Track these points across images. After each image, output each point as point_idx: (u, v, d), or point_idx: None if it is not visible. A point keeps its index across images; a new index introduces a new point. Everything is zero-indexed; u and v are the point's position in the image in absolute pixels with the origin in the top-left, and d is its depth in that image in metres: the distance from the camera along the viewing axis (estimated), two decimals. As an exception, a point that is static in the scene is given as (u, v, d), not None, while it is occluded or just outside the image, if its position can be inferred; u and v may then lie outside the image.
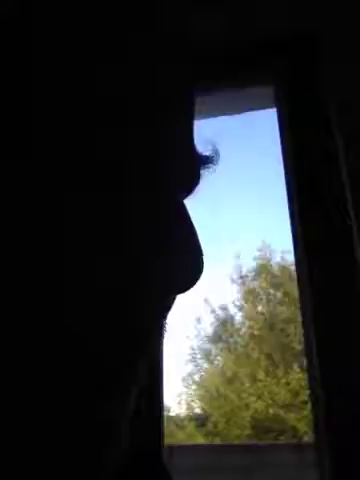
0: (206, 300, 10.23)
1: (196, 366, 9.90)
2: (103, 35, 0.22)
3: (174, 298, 0.24)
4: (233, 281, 9.90)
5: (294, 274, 0.96)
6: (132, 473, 0.25)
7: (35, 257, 0.20)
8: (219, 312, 9.85)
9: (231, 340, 9.65)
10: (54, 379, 0.20)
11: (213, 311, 9.88)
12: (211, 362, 9.83)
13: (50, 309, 0.20)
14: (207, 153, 0.26)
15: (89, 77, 0.22)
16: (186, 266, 0.22)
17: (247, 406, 8.55)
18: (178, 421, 9.33)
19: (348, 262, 0.83)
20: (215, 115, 1.09)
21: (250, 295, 9.67)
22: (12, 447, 0.19)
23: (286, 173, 0.94)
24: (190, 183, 0.26)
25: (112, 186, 0.21)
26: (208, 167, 0.26)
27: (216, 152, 0.26)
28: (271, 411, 8.37)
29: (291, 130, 0.94)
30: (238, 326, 9.82)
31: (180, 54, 0.24)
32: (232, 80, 1.01)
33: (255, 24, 0.98)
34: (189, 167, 0.25)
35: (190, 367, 10.02)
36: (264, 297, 9.60)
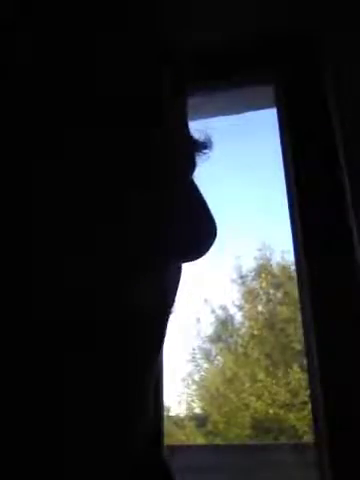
0: (206, 300, 10.23)
1: (196, 366, 9.90)
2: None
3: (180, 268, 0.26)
4: (233, 281, 9.91)
5: (294, 274, 0.96)
6: (132, 473, 0.25)
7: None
8: (219, 312, 9.86)
9: (231, 340, 9.64)
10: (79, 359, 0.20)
11: (213, 311, 9.88)
12: (211, 362, 9.82)
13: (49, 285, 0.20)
14: (201, 139, 0.28)
15: (88, 80, 0.22)
16: (199, 232, 0.24)
17: (247, 406, 8.54)
18: (178, 421, 9.32)
19: (348, 262, 0.83)
20: (215, 115, 1.09)
21: (250, 295, 9.67)
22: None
23: (286, 173, 0.94)
24: (188, 168, 0.27)
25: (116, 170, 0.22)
26: (204, 153, 0.27)
27: (209, 139, 0.28)
28: (271, 411, 8.37)
29: (291, 130, 0.94)
30: (238, 326, 9.81)
31: (154, 52, 0.25)
32: (232, 80, 1.00)
33: (255, 23, 0.98)
34: (186, 153, 0.26)
35: (190, 367, 10.03)
36: (264, 297, 9.59)
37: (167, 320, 0.24)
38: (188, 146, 0.26)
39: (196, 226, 0.24)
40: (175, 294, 0.25)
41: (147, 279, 0.22)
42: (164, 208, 0.23)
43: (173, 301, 0.24)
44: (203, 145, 0.27)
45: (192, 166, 0.27)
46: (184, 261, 0.25)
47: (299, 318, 0.92)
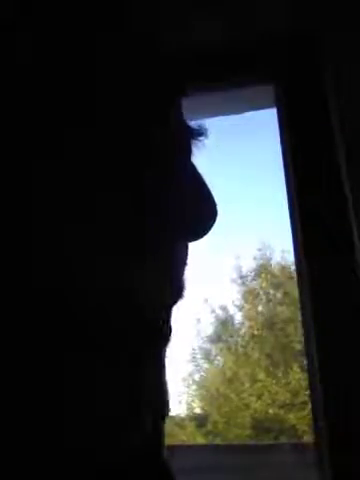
0: (206, 300, 10.23)
1: (196, 366, 9.89)
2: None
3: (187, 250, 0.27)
4: (233, 281, 9.91)
5: (294, 274, 0.96)
6: (133, 474, 0.25)
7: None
8: (219, 312, 9.85)
9: (231, 340, 9.64)
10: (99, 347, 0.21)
11: (213, 311, 9.88)
12: (211, 362, 9.82)
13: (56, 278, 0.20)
14: (196, 127, 0.28)
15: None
16: (201, 212, 0.25)
17: (247, 406, 8.54)
18: (178, 421, 9.32)
19: (348, 262, 0.83)
20: (215, 115, 1.09)
21: (250, 295, 9.66)
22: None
23: (286, 173, 0.94)
24: (186, 160, 0.28)
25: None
26: (199, 140, 0.28)
27: (204, 127, 0.28)
28: (271, 411, 8.36)
29: (291, 130, 0.94)
30: (238, 326, 9.81)
31: (154, 52, 0.25)
32: (232, 80, 1.00)
33: (255, 23, 0.98)
34: (184, 146, 0.27)
35: (190, 367, 10.02)
36: (264, 297, 9.59)
37: (173, 305, 0.25)
38: (186, 139, 0.27)
39: (197, 208, 0.25)
40: (182, 275, 0.25)
41: (156, 262, 0.23)
42: (164, 203, 0.24)
43: (182, 284, 0.25)
44: (198, 132, 0.28)
45: (189, 155, 0.28)
46: (187, 241, 0.26)
47: (299, 318, 0.92)
